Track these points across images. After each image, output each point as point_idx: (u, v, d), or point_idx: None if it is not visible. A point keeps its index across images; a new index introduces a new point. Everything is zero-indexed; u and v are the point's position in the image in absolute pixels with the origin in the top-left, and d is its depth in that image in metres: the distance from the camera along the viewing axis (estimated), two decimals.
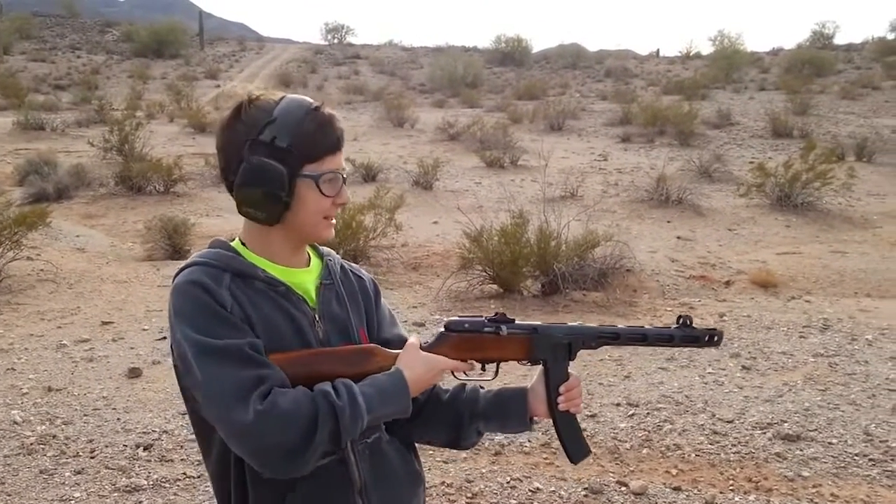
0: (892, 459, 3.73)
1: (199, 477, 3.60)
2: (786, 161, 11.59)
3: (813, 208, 11.02)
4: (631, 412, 4.33)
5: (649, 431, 4.09)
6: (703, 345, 1.50)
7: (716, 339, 1.50)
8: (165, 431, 4.09)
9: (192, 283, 1.30)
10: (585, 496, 3.47)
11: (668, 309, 6.47)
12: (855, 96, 22.43)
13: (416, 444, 1.60)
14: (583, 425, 4.04)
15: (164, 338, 5.67)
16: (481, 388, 1.57)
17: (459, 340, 1.46)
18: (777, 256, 8.57)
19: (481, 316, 1.50)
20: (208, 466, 1.43)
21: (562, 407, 1.49)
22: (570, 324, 1.52)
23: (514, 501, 3.44)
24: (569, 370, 1.50)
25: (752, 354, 5.28)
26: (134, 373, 4.93)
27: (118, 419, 4.27)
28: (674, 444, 3.94)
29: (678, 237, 9.62)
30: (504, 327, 1.47)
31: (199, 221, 9.72)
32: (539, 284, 6.85)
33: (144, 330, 5.90)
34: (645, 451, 3.89)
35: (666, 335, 1.49)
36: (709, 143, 16.84)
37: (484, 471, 3.68)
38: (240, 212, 1.36)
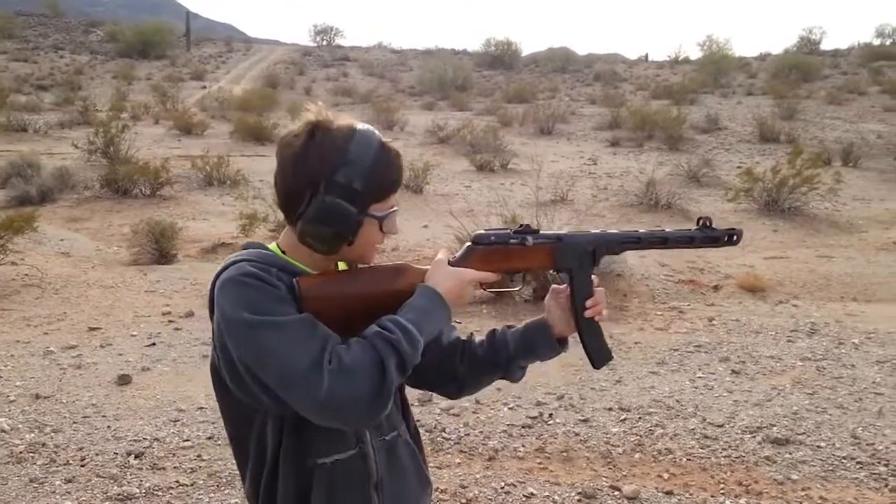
0: (879, 462, 3.76)
1: (192, 485, 3.59)
2: (773, 166, 11.68)
3: (800, 213, 11.11)
4: (623, 417, 4.35)
5: (641, 436, 4.11)
6: (722, 244, 1.54)
7: (735, 238, 1.53)
8: (157, 439, 4.07)
9: (246, 275, 1.32)
10: (579, 501, 3.48)
11: (659, 313, 6.51)
12: (841, 101, 22.63)
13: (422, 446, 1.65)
14: (575, 430, 4.12)
15: (153, 344, 5.65)
16: (510, 326, 1.63)
17: (486, 253, 1.50)
18: (765, 261, 8.62)
19: (507, 228, 1.53)
20: (244, 461, 1.45)
21: (588, 314, 1.53)
22: (593, 231, 1.56)
23: None
24: (592, 283, 1.53)
25: (741, 358, 5.32)
26: (123, 380, 4.89)
27: (108, 427, 4.24)
28: (665, 449, 3.96)
29: None
30: (529, 237, 1.51)
31: (186, 225, 9.66)
32: (531, 289, 6.87)
33: (133, 336, 5.86)
34: (637, 455, 3.91)
35: (686, 236, 1.54)
36: (697, 147, 16.95)
37: (478, 476, 3.69)
38: (301, 241, 1.39)
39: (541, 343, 1.59)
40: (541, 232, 1.53)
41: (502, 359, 1.60)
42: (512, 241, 1.51)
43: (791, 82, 25.95)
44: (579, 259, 1.52)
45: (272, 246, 1.46)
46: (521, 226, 1.54)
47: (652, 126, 18.01)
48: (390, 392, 1.30)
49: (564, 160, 15.67)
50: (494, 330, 1.64)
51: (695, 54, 36.02)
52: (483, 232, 1.53)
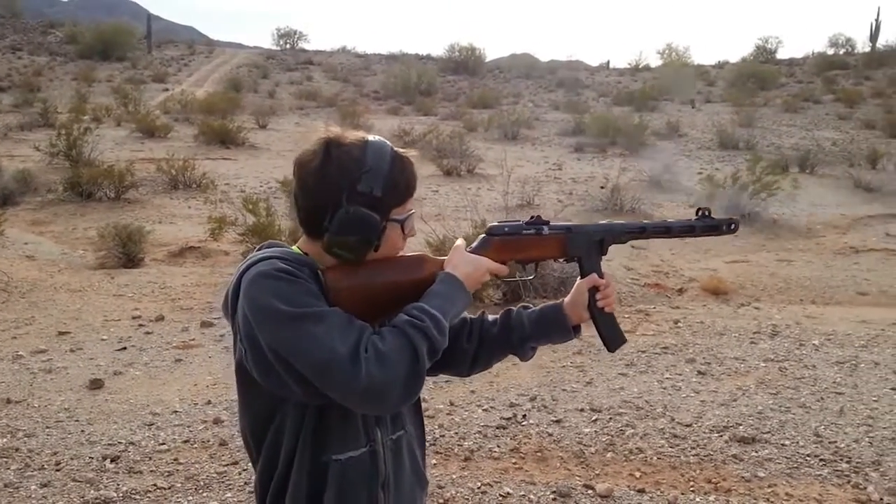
0: (842, 459, 3.88)
1: (169, 488, 3.58)
2: (733, 172, 11.97)
3: (759, 218, 11.38)
4: (594, 417, 4.43)
5: (613, 436, 4.19)
6: (722, 232, 1.66)
7: (733, 226, 1.65)
8: (132, 443, 4.04)
9: (279, 270, 1.36)
10: (554, 500, 3.54)
11: (626, 316, 6.62)
12: (797, 109, 23.25)
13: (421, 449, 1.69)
14: (548, 430, 4.19)
15: (124, 348, 5.59)
16: (525, 307, 1.70)
17: (501, 243, 1.59)
18: (726, 264, 8.83)
19: (519, 220, 1.63)
20: (258, 455, 1.49)
21: (600, 304, 1.63)
22: (600, 222, 1.66)
23: None
24: (601, 271, 1.63)
25: (706, 360, 5.44)
26: (95, 384, 4.84)
27: (82, 431, 4.20)
28: (636, 448, 4.04)
29: (632, 246, 9.83)
30: (543, 228, 1.61)
31: (153, 229, 9.52)
32: (500, 293, 6.95)
33: (103, 340, 5.79)
34: (609, 454, 3.99)
35: (688, 226, 1.66)
36: (659, 153, 17.23)
37: (455, 476, 3.73)
38: (328, 252, 1.43)
39: (555, 328, 1.66)
40: (551, 223, 1.62)
41: (515, 339, 1.66)
42: (525, 231, 1.60)
43: (748, 90, 26.56)
44: (588, 248, 1.63)
45: (294, 248, 1.50)
46: (532, 217, 1.63)
47: (615, 132, 18.28)
48: (423, 376, 1.37)
49: (530, 165, 15.82)
50: (510, 310, 1.70)
51: (655, 61, 36.66)
52: (497, 224, 1.62)
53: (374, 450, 1.49)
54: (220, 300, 1.49)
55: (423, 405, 4.39)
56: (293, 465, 1.43)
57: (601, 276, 1.62)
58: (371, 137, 1.45)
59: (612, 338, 1.68)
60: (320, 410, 1.41)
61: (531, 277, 1.68)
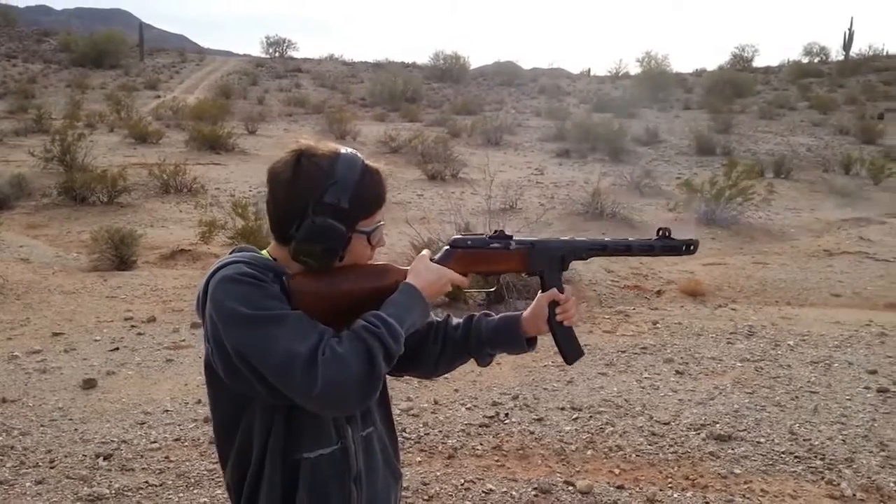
0: (816, 456, 3.97)
1: (161, 485, 3.63)
2: (711, 178, 12.16)
3: (736, 222, 11.57)
4: (575, 416, 4.52)
5: (593, 434, 4.28)
6: (681, 253, 1.67)
7: (692, 247, 1.67)
8: (124, 441, 4.10)
9: (243, 274, 1.41)
10: (535, 496, 3.61)
11: (606, 317, 6.73)
12: (773, 116, 23.63)
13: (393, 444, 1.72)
14: (530, 428, 4.28)
15: (117, 349, 5.64)
16: (487, 315, 1.73)
17: (464, 255, 1.63)
18: (704, 267, 8.95)
19: (483, 234, 1.67)
20: (229, 454, 1.52)
21: (559, 318, 1.65)
22: (562, 238, 1.69)
23: (469, 502, 3.56)
24: (562, 286, 1.64)
25: (684, 360, 5.53)
26: (88, 384, 4.89)
27: (76, 429, 4.25)
28: (616, 446, 4.13)
29: None
30: (506, 242, 1.64)
31: (145, 232, 9.62)
32: (484, 294, 7.04)
33: (96, 341, 5.84)
34: (589, 452, 4.07)
35: (647, 245, 1.67)
36: (638, 159, 17.43)
37: (438, 474, 3.81)
38: (295, 259, 1.47)
39: (510, 339, 1.69)
40: (515, 238, 1.65)
41: (473, 345, 1.69)
42: (492, 245, 1.64)
43: (725, 97, 26.93)
44: (549, 263, 1.65)
45: (264, 253, 1.53)
46: (496, 231, 1.67)
47: (595, 138, 18.48)
48: (380, 379, 1.40)
49: (512, 170, 15.96)
50: (472, 315, 1.73)
51: (634, 69, 37.06)
52: (460, 236, 1.65)
53: (345, 447, 1.52)
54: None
55: (409, 404, 4.54)
56: (265, 463, 1.46)
57: (561, 290, 1.64)
58: (343, 150, 1.49)
59: (570, 351, 1.70)
60: (289, 409, 1.43)
61: (492, 290, 1.73)
